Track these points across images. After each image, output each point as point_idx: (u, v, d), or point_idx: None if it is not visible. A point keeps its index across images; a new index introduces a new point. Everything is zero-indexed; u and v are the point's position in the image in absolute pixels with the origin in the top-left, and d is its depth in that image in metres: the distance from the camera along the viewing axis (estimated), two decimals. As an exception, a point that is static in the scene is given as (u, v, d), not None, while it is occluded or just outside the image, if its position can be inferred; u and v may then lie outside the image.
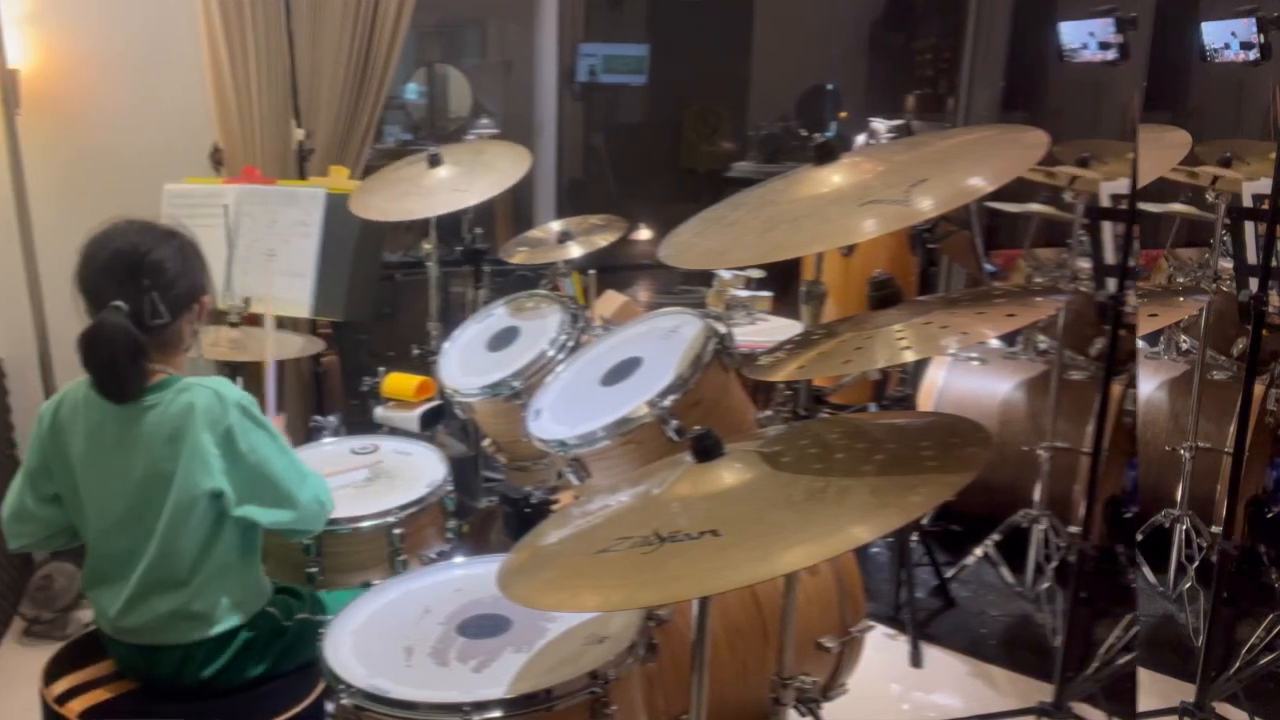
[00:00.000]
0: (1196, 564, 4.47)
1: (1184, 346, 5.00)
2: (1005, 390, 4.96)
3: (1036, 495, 4.55)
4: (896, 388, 4.30)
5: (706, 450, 2.10)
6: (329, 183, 4.59)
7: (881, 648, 4.29)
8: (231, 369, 4.12)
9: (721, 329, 3.13)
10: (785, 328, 4.74)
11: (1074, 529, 4.43)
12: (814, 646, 3.10)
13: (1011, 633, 4.46)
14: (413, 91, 8.37)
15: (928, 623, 4.50)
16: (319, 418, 4.36)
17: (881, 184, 2.50)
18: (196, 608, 2.70)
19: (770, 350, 2.80)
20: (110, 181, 4.83)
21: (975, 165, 2.46)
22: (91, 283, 2.61)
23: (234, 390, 2.68)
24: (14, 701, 4.02)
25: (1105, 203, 3.70)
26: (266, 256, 4.46)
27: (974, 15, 7.49)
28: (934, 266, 4.21)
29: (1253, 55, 4.11)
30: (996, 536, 4.66)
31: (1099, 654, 3.85)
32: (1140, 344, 5.08)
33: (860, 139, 5.01)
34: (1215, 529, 4.44)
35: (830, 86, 9.33)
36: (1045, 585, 4.48)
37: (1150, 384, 4.93)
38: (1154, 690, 4.00)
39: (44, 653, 3.01)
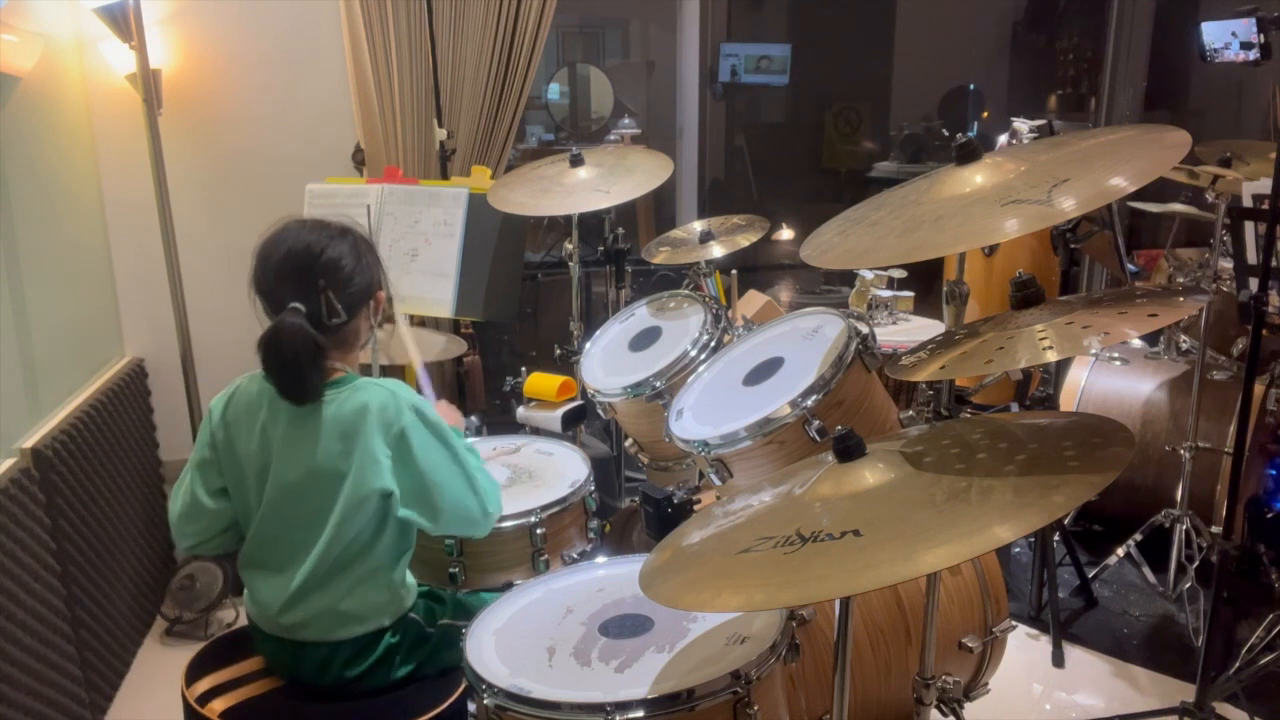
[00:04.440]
0: (1196, 564, 4.54)
1: (1184, 346, 5.05)
2: (1147, 390, 4.96)
3: (1178, 495, 4.56)
4: (1038, 388, 4.26)
5: (848, 450, 2.10)
6: (471, 183, 4.61)
7: (1023, 647, 4.30)
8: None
9: (863, 329, 3.11)
10: (927, 328, 4.76)
11: (1216, 529, 4.47)
12: (956, 646, 3.10)
13: (1153, 633, 4.44)
14: (555, 92, 8.45)
15: (1070, 622, 4.50)
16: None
17: (1023, 184, 2.50)
18: (347, 606, 2.71)
19: (912, 350, 2.77)
20: (251, 182, 4.96)
21: (1117, 165, 2.44)
22: (267, 285, 2.63)
23: (410, 393, 2.68)
24: (154, 702, 4.13)
25: (1247, 202, 3.68)
26: (409, 257, 4.49)
27: (1116, 15, 7.40)
28: (1076, 266, 4.17)
29: (1253, 55, 4.15)
30: (1138, 536, 4.67)
31: (1241, 654, 3.85)
32: (1140, 344, 5.22)
33: (1002, 139, 4.98)
34: (1215, 529, 4.52)
35: (972, 87, 9.31)
36: (1187, 585, 4.51)
37: (1150, 384, 4.98)
38: (1154, 690, 4.08)
39: (185, 653, 3.08)
